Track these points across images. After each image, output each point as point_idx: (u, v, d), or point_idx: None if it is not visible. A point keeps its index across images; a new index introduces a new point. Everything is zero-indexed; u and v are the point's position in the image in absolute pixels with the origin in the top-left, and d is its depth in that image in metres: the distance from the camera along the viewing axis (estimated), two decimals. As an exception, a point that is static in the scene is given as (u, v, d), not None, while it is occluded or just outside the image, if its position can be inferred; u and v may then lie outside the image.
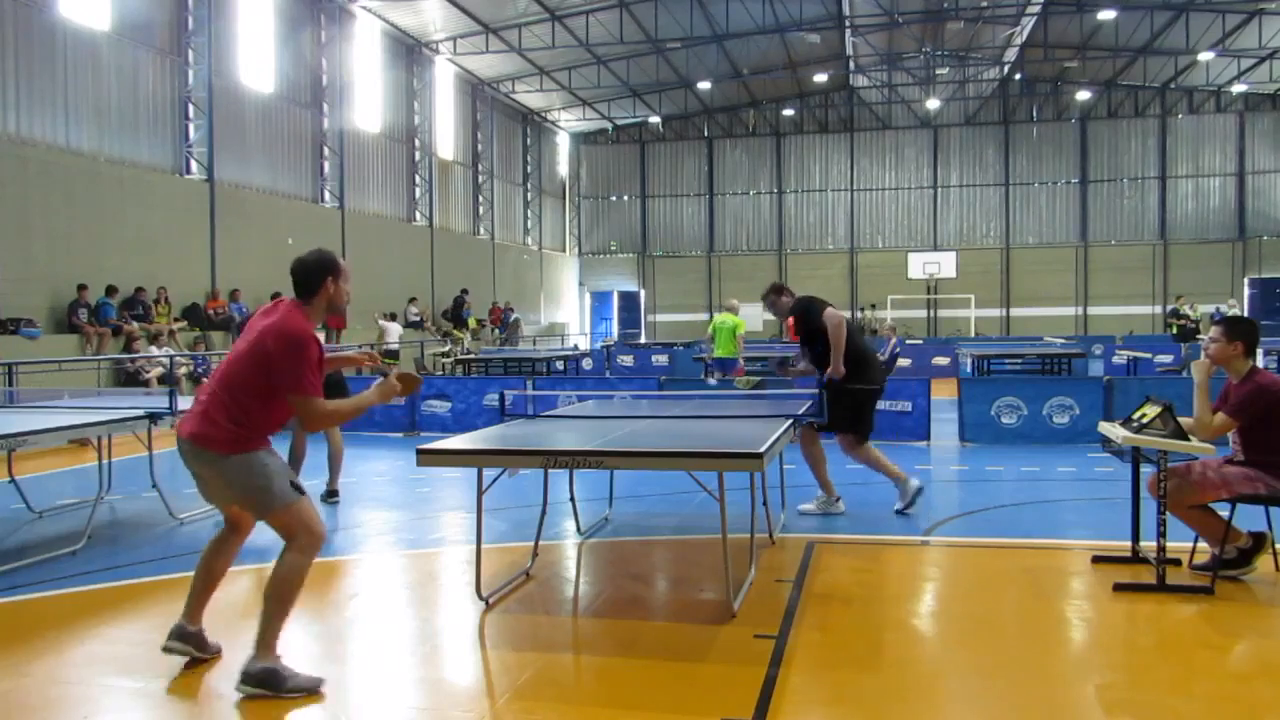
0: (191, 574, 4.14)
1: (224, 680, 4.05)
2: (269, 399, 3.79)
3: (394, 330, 21.35)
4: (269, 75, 20.29)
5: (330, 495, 7.77)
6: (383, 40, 24.79)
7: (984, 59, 32.55)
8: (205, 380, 4.10)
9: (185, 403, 7.76)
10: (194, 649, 4.07)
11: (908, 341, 24.64)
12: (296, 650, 4.42)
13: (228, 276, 18.37)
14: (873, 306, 34.83)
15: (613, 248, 39.18)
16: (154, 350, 14.90)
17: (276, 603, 3.77)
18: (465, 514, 7.14)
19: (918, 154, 36.62)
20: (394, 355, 21.12)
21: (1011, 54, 31.22)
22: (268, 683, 3.72)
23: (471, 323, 26.10)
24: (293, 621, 4.88)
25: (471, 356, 20.72)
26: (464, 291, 26.98)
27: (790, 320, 7.24)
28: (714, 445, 4.86)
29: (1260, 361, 7.78)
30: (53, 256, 14.94)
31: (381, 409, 12.64)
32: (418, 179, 26.61)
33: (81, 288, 14.83)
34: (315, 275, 3.94)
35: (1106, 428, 5.46)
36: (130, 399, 8.27)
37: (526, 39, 26.37)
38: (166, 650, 4.02)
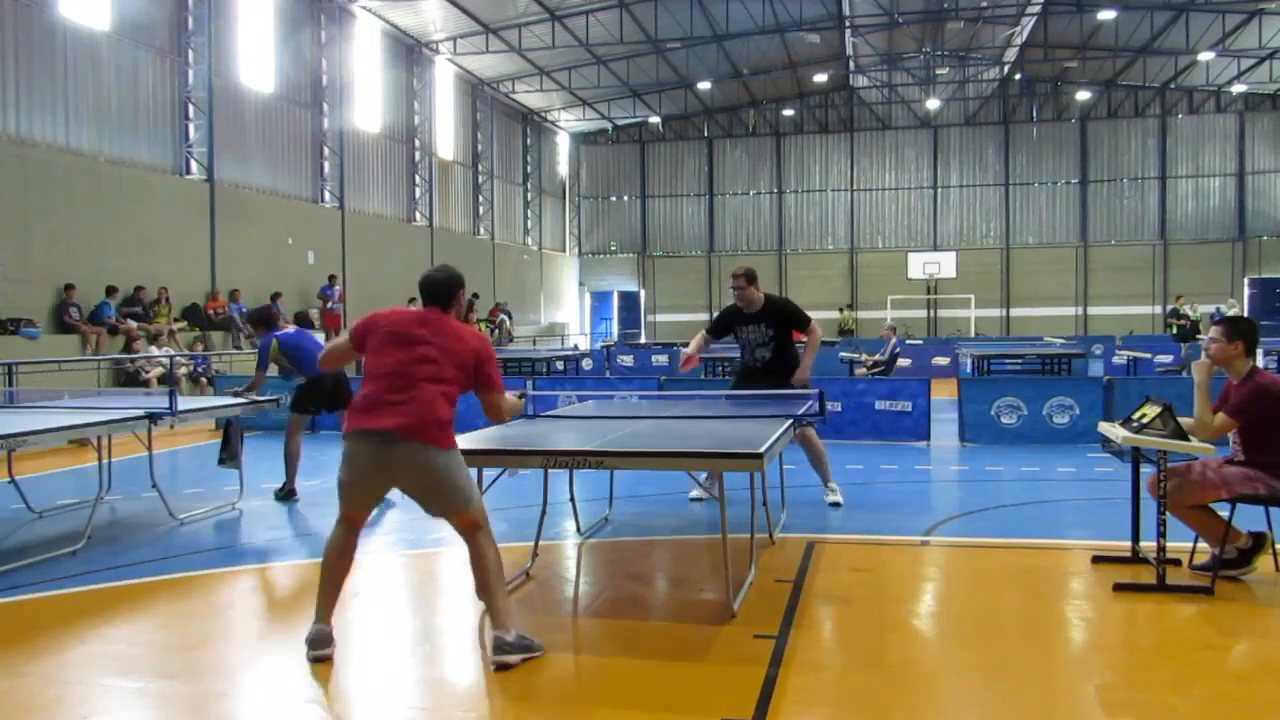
0: (191, 573, 4.20)
1: (224, 680, 4.05)
2: (456, 400, 4.19)
3: None
4: (269, 75, 20.29)
5: (289, 495, 7.87)
6: (383, 40, 24.79)
7: (984, 59, 32.55)
8: (376, 377, 4.18)
9: (187, 403, 7.79)
10: (333, 648, 4.20)
11: (908, 341, 24.65)
12: (297, 650, 4.43)
13: (228, 276, 18.37)
14: (849, 306, 34.92)
15: (613, 248, 39.18)
16: (154, 350, 14.91)
17: (498, 580, 4.11)
18: (465, 514, 7.12)
19: (918, 154, 36.62)
20: None
21: (1011, 54, 31.22)
22: (528, 646, 4.05)
23: (482, 328, 26.08)
24: (293, 622, 4.89)
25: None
26: (475, 295, 27.46)
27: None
28: (714, 445, 4.86)
29: (1260, 361, 7.78)
30: (53, 256, 14.94)
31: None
32: (418, 179, 26.61)
33: (69, 288, 14.83)
34: (452, 288, 4.50)
35: (1106, 428, 5.46)
36: (130, 399, 8.27)
37: (526, 39, 26.37)
38: (315, 660, 4.09)
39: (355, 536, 4.37)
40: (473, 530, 4.12)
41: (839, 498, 7.39)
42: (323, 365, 4.68)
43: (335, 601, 4.24)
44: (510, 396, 4.48)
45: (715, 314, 40.25)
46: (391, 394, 4.10)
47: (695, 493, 7.42)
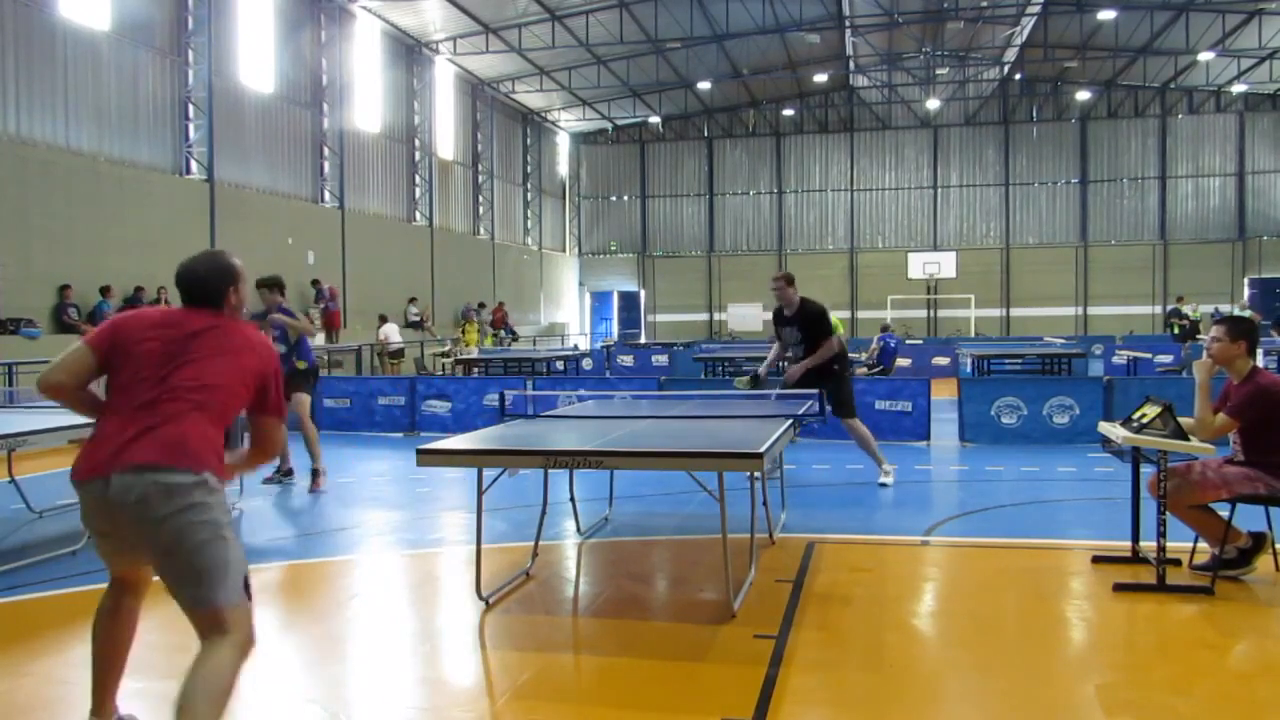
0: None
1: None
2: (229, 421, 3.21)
3: (393, 331, 21.48)
4: (269, 75, 20.29)
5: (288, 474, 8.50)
6: (383, 40, 24.79)
7: (984, 59, 32.55)
8: (141, 386, 3.10)
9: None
10: None
11: (908, 342, 24.64)
12: (297, 650, 4.42)
13: (228, 276, 18.35)
14: (770, 308, 35.02)
15: (613, 248, 39.18)
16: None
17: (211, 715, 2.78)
18: (465, 514, 7.14)
19: (918, 154, 36.62)
20: (399, 355, 21.22)
21: (1011, 54, 31.22)
22: None
23: (474, 335, 26.04)
24: (293, 622, 4.89)
25: (472, 357, 20.75)
26: (481, 305, 27.89)
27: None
28: (714, 445, 4.86)
29: (1260, 361, 7.79)
30: (53, 256, 14.94)
31: (381, 409, 12.66)
32: (418, 179, 26.61)
33: (65, 288, 14.82)
34: (222, 284, 3.30)
35: (1106, 428, 5.46)
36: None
37: (526, 39, 26.37)
38: None
39: (133, 598, 3.31)
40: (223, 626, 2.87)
41: (890, 479, 8.05)
42: (47, 391, 3.37)
43: (114, 687, 3.25)
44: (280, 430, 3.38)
45: (715, 314, 40.03)
46: (142, 416, 3.02)
47: (883, 478, 8.15)
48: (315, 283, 20.86)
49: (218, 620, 2.86)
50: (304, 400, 8.34)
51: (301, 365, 8.45)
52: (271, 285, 8.97)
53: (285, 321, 8.59)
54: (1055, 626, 4.64)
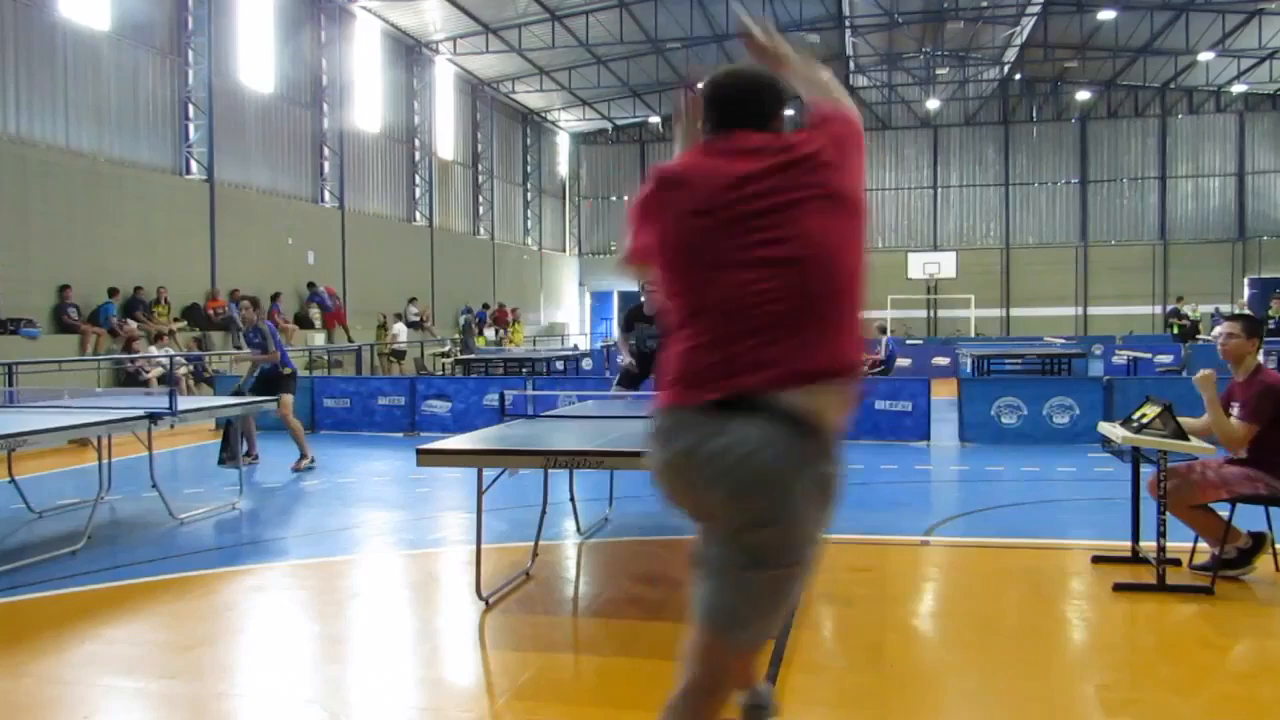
0: (191, 573, 3.93)
1: (224, 680, 4.05)
2: None
3: (403, 331, 21.65)
4: (269, 75, 20.29)
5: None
6: (383, 40, 24.79)
7: (984, 59, 32.54)
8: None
9: (187, 402, 7.79)
10: None
11: (908, 342, 24.63)
12: (297, 650, 4.42)
13: (228, 276, 18.37)
14: None
15: (613, 248, 39.16)
16: (154, 350, 14.91)
17: None
18: (465, 514, 7.14)
19: (918, 154, 36.61)
20: (401, 355, 21.27)
21: (1011, 54, 31.21)
22: None
23: (480, 341, 26.09)
24: (293, 622, 4.89)
25: (472, 357, 20.78)
26: (485, 306, 28.08)
27: None
28: (714, 445, 4.86)
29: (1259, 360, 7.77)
30: (53, 256, 14.94)
31: (381, 409, 12.66)
32: (418, 179, 26.61)
33: (65, 288, 14.83)
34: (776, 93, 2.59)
35: (1106, 428, 5.46)
36: (130, 399, 8.27)
37: (526, 39, 26.37)
38: None
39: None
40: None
41: None
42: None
43: None
44: None
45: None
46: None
47: None
48: (311, 285, 20.85)
49: None
50: (288, 400, 9.46)
51: (286, 371, 9.66)
52: (255, 304, 10.18)
53: (265, 336, 9.72)
54: (1055, 626, 4.64)
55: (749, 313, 2.17)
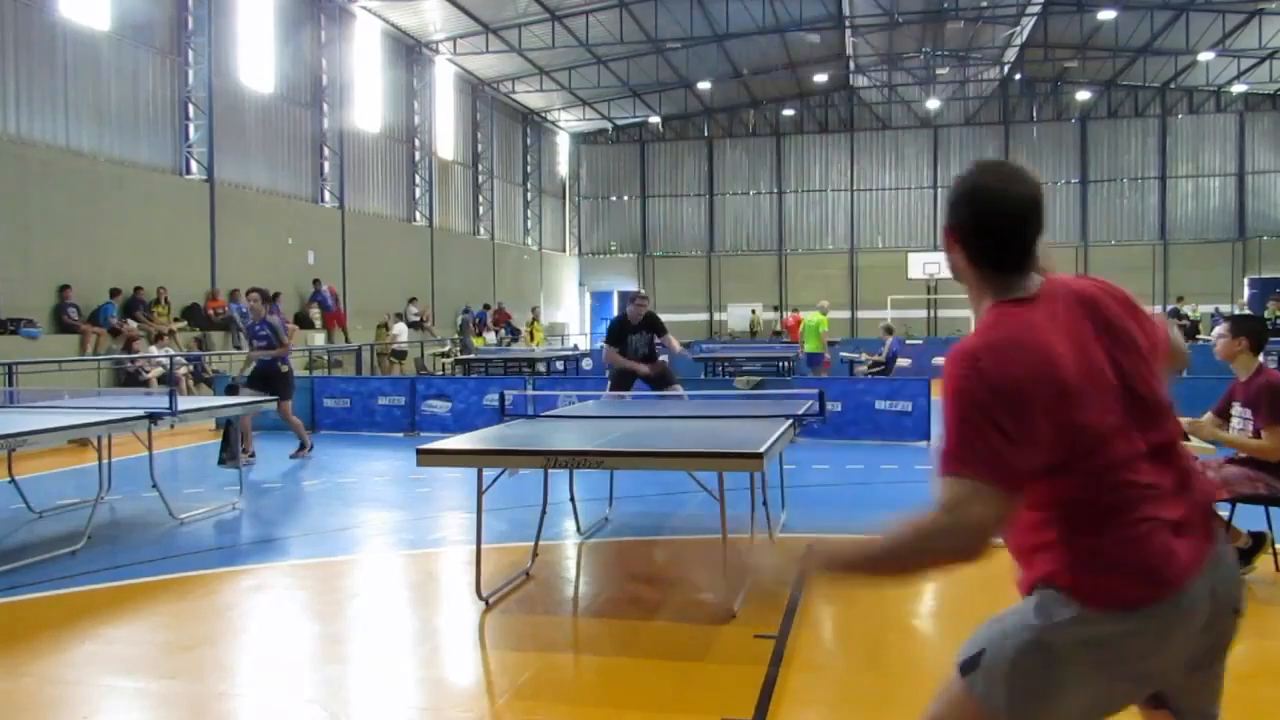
0: (191, 573, 4.01)
1: (224, 680, 4.05)
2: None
3: (404, 331, 21.64)
4: (269, 75, 20.29)
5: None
6: (383, 40, 24.79)
7: (984, 59, 32.54)
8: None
9: (187, 402, 7.79)
10: None
11: (908, 342, 24.63)
12: (297, 651, 4.42)
13: (228, 276, 18.37)
14: (770, 308, 36.01)
15: (613, 248, 39.18)
16: (154, 350, 14.91)
17: None
18: (465, 514, 7.14)
19: (918, 154, 36.60)
20: (402, 355, 21.26)
21: (1011, 54, 31.20)
22: None
23: (479, 341, 26.15)
24: (293, 622, 4.89)
25: (471, 357, 20.78)
26: (485, 307, 28.08)
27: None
28: (714, 445, 4.86)
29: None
30: (53, 256, 14.94)
31: (381, 409, 12.66)
32: (418, 179, 26.61)
33: (65, 288, 14.82)
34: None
35: (1106, 428, 5.44)
36: (130, 399, 8.27)
37: (526, 39, 26.37)
38: None
39: None
40: None
41: None
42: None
43: None
44: None
45: (715, 314, 40.04)
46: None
47: None
48: (316, 282, 20.89)
49: None
50: (286, 406, 9.78)
51: (284, 369, 9.84)
52: (265, 297, 10.24)
53: (276, 328, 9.86)
54: (1055, 626, 4.63)
55: None
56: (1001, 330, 1.80)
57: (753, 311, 35.83)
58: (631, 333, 9.72)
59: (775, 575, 1.92)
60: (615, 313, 38.94)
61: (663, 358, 10.02)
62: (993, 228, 1.88)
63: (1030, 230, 1.87)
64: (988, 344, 1.77)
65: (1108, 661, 1.75)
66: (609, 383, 10.27)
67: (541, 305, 35.22)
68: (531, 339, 28.21)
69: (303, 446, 10.09)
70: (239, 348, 17.33)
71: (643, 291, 10.47)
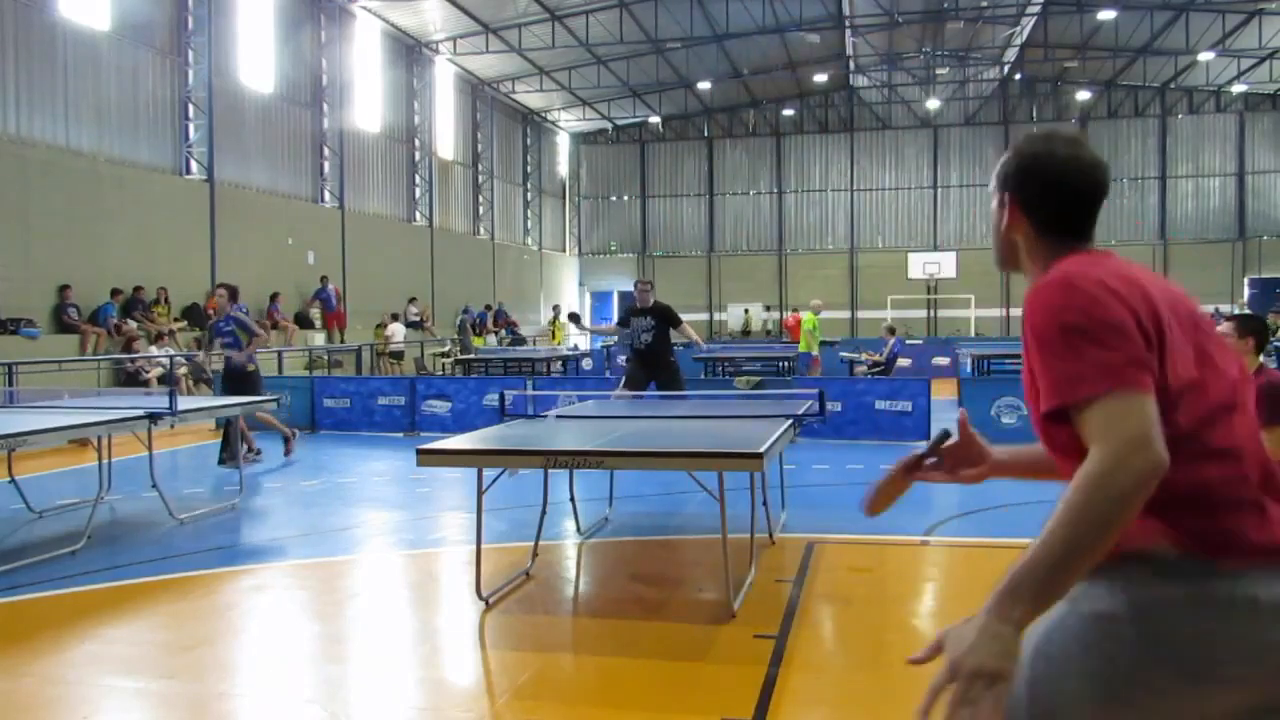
0: (191, 573, 4.02)
1: (224, 680, 4.05)
2: None
3: (400, 331, 21.57)
4: (269, 75, 20.29)
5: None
6: (383, 40, 24.79)
7: (984, 59, 32.54)
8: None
9: (187, 402, 7.80)
10: None
11: (908, 342, 24.63)
12: (297, 651, 4.43)
13: (227, 276, 18.24)
14: (764, 307, 36.14)
15: (613, 248, 39.18)
16: (154, 350, 14.91)
17: None
18: (465, 514, 7.14)
19: (918, 154, 36.60)
20: (399, 355, 21.24)
21: (1011, 54, 31.20)
22: None
23: (479, 341, 26.19)
24: (293, 622, 4.89)
25: (471, 357, 20.78)
26: (486, 307, 28.21)
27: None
28: (714, 445, 4.86)
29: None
30: (53, 256, 14.94)
31: (381, 409, 12.66)
32: (418, 179, 26.61)
33: (65, 288, 14.82)
34: None
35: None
36: (130, 399, 8.27)
37: (526, 39, 26.37)
38: None
39: None
40: None
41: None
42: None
43: None
44: None
45: (715, 314, 40.10)
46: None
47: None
48: (324, 279, 20.95)
49: None
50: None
51: (251, 368, 9.60)
52: (233, 293, 9.90)
53: (244, 322, 9.63)
54: (1055, 626, 4.63)
55: None
56: (1094, 265, 1.66)
57: (745, 311, 35.97)
58: (635, 315, 9.73)
59: (991, 658, 1.56)
60: (615, 313, 39.03)
61: (673, 359, 9.94)
62: (1070, 194, 1.81)
63: (1102, 195, 1.83)
64: (1082, 271, 1.63)
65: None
66: (622, 381, 10.28)
67: (542, 305, 35.23)
68: (553, 337, 28.39)
69: (288, 440, 9.98)
70: (199, 346, 17.30)
71: (647, 278, 10.53)
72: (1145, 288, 1.63)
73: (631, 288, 10.78)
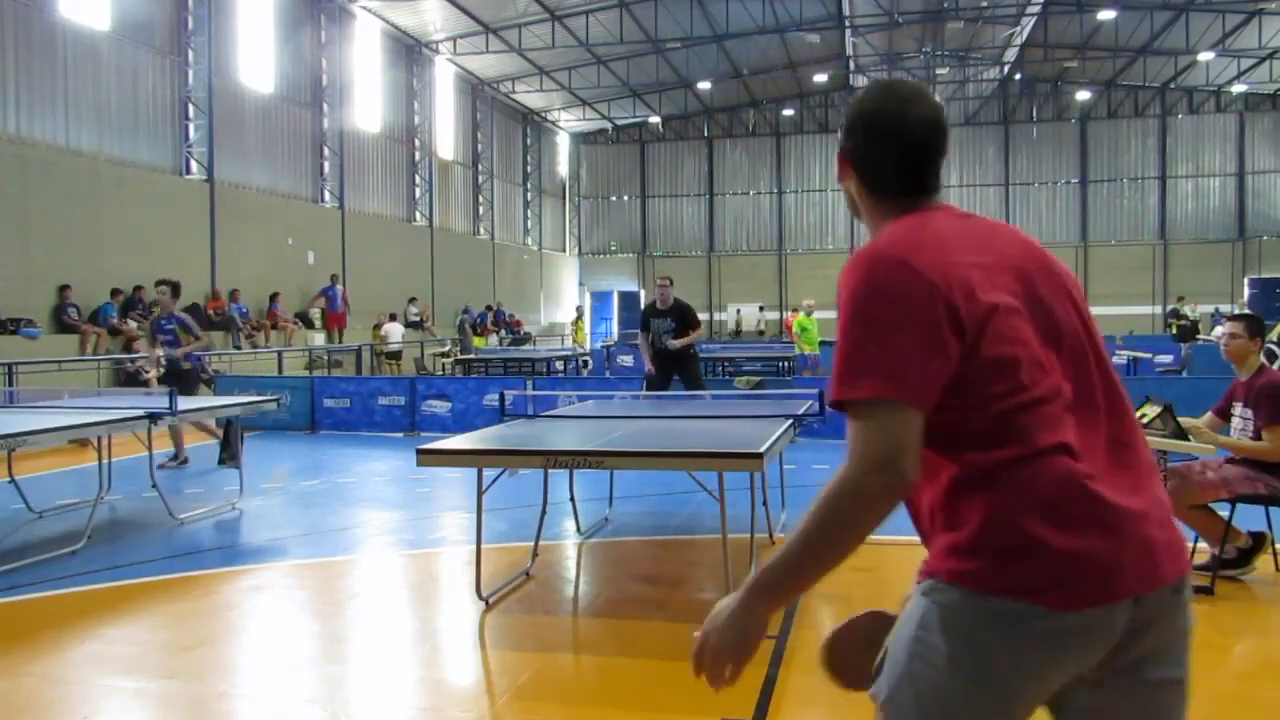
0: (191, 573, 4.02)
1: (224, 680, 4.05)
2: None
3: (396, 331, 21.51)
4: (269, 75, 20.29)
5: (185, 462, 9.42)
6: (383, 40, 24.78)
7: (984, 59, 32.54)
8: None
9: (187, 402, 7.79)
10: None
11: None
12: (297, 651, 4.43)
13: (228, 276, 18.37)
14: (759, 307, 36.32)
15: (613, 248, 39.18)
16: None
17: None
18: (465, 514, 7.14)
19: (918, 154, 36.59)
20: (396, 356, 21.23)
21: (1011, 54, 31.20)
22: None
23: (480, 341, 26.19)
24: (293, 622, 4.89)
25: (471, 357, 20.79)
26: (487, 308, 28.18)
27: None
28: (714, 445, 4.86)
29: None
30: (53, 256, 14.94)
31: (381, 409, 12.65)
32: (418, 179, 26.61)
33: (65, 288, 14.82)
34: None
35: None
36: (130, 399, 8.27)
37: (526, 39, 26.37)
38: None
39: None
40: None
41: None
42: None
43: None
44: None
45: (715, 314, 40.17)
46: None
47: None
48: (334, 277, 21.00)
49: None
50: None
51: (187, 366, 9.54)
52: (175, 290, 9.68)
53: (186, 322, 9.50)
54: (1055, 626, 4.63)
55: None
56: (910, 235, 1.58)
57: (737, 311, 36.03)
58: (656, 317, 9.66)
59: (731, 643, 1.63)
60: (615, 312, 39.05)
61: (693, 351, 10.01)
62: (894, 151, 1.68)
63: (934, 152, 1.70)
64: (889, 247, 1.57)
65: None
66: (643, 383, 10.28)
67: (542, 305, 35.25)
68: (576, 337, 28.68)
69: (174, 458, 9.46)
70: (239, 348, 17.34)
71: (666, 275, 10.15)
72: (964, 265, 1.53)
73: (632, 288, 10.76)
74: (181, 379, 9.29)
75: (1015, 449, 1.49)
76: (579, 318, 30.47)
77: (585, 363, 21.85)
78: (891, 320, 1.49)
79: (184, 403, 7.43)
